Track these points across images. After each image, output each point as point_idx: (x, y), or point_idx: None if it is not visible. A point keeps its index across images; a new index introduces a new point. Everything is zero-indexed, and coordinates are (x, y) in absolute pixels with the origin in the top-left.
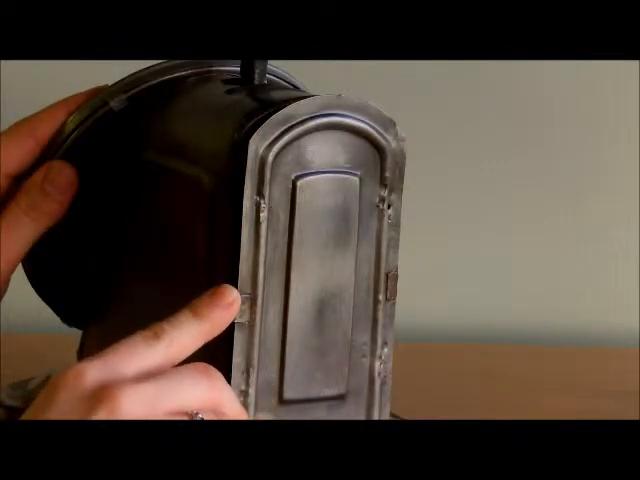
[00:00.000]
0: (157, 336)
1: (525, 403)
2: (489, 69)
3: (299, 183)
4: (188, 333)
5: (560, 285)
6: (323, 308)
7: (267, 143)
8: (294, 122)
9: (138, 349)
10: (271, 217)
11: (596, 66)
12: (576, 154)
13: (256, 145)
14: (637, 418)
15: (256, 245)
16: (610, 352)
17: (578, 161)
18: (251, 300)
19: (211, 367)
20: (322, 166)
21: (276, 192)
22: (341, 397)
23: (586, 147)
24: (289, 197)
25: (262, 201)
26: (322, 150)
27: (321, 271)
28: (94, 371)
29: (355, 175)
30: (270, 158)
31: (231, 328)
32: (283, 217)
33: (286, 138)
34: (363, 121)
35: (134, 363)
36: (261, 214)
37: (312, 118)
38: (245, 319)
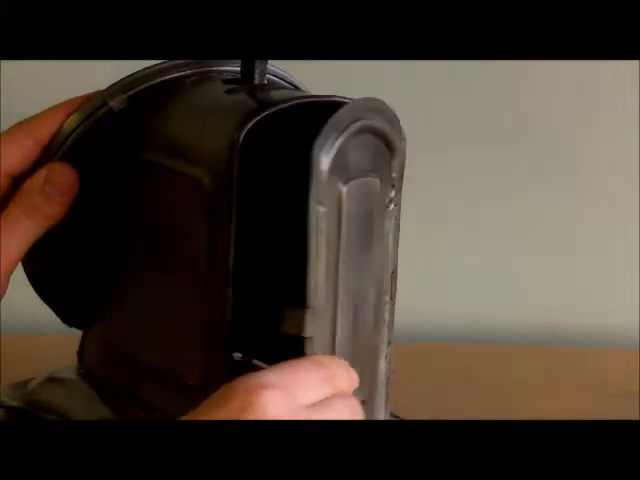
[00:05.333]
0: (323, 369)
1: (525, 403)
2: (490, 69)
3: (344, 189)
4: (347, 373)
5: (560, 285)
6: (356, 314)
7: (325, 150)
8: (342, 127)
9: (315, 384)
10: (328, 226)
11: (596, 66)
12: (576, 155)
13: (319, 153)
14: (637, 418)
15: (318, 256)
16: (610, 352)
17: (578, 161)
18: (317, 313)
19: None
20: (356, 170)
21: (329, 200)
22: (363, 402)
23: (586, 148)
24: (337, 204)
25: (323, 210)
26: (356, 154)
27: (356, 277)
28: (278, 404)
29: (376, 177)
30: (328, 166)
31: (301, 345)
32: (333, 225)
33: (337, 144)
34: (380, 122)
35: (310, 396)
36: (322, 225)
37: (353, 122)
38: (313, 333)
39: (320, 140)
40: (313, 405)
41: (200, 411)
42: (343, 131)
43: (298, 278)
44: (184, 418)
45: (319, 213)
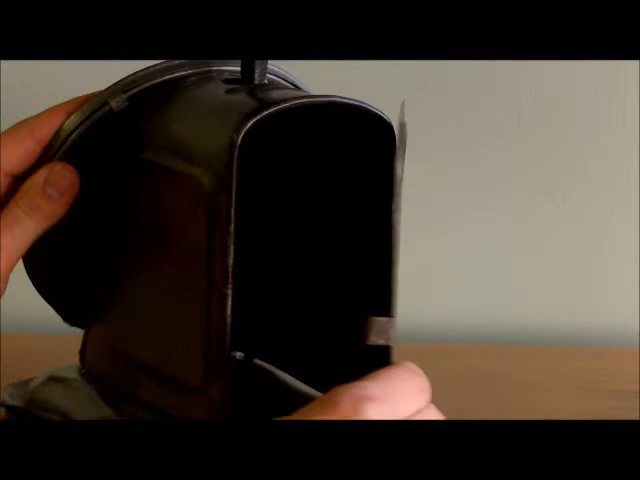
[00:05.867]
0: (418, 378)
1: (525, 403)
2: (489, 69)
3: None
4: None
5: (560, 285)
6: None
7: (401, 158)
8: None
9: (412, 395)
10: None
11: (596, 66)
12: (577, 155)
13: (399, 162)
14: (637, 418)
15: (398, 264)
16: (610, 352)
17: (579, 162)
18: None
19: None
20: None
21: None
22: None
23: (586, 148)
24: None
25: (399, 217)
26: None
27: None
28: (382, 417)
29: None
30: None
31: (388, 353)
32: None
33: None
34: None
35: (408, 408)
36: (399, 232)
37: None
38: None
39: (399, 149)
40: (410, 417)
41: (299, 417)
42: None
43: (381, 287)
44: None
45: (398, 222)
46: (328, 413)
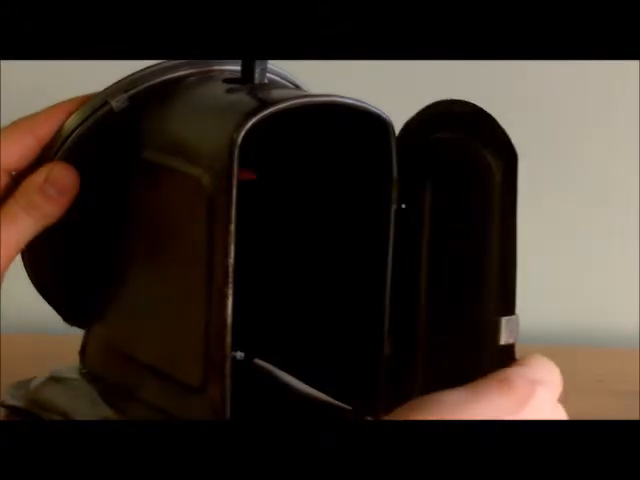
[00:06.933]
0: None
1: None
2: (489, 69)
3: None
4: None
5: (560, 285)
6: None
7: None
8: None
9: (557, 382)
10: None
11: (595, 66)
12: (577, 155)
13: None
14: (637, 418)
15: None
16: (610, 352)
17: (578, 162)
18: None
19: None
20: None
21: None
22: None
23: (587, 148)
24: None
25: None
26: None
27: None
28: (548, 399)
29: None
30: None
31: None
32: None
33: None
34: None
35: (558, 393)
36: None
37: None
38: None
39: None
40: (555, 401)
41: (470, 394)
42: None
43: (504, 285)
44: (444, 399)
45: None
46: (505, 393)
